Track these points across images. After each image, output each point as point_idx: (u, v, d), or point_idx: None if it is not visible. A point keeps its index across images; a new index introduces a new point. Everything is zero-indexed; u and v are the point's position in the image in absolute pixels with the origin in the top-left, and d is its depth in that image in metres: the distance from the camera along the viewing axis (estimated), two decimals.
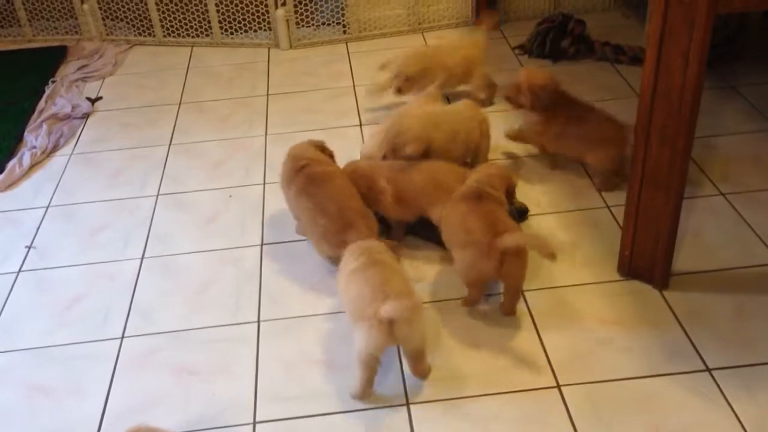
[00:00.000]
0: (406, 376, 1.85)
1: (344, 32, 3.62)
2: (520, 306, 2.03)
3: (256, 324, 2.05)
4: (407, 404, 1.79)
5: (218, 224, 2.45)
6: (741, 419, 1.69)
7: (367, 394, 1.81)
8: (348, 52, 3.50)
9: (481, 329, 1.98)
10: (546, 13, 3.52)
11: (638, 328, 1.94)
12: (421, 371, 1.84)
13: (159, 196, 2.60)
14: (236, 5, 3.57)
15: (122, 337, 2.05)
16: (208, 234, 2.41)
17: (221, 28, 3.62)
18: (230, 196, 2.56)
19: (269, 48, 3.58)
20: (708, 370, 1.81)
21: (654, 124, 1.82)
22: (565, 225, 2.31)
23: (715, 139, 2.63)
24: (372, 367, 1.77)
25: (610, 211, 2.34)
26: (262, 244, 2.34)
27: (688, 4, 1.63)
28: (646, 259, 2.03)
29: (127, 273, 2.27)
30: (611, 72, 3.14)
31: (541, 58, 3.26)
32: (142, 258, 2.32)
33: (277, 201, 2.51)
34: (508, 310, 2.00)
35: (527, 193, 2.43)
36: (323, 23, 3.64)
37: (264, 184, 2.61)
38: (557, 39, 3.23)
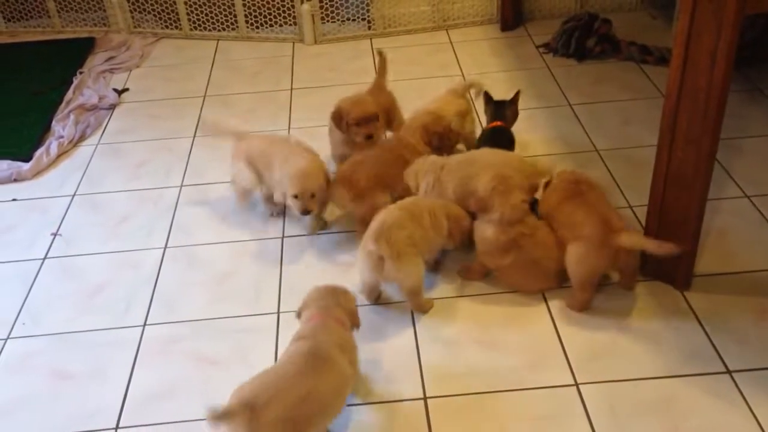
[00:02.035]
0: (423, 371, 1.86)
1: (369, 28, 3.62)
2: (540, 304, 2.03)
3: (276, 315, 2.06)
4: (425, 398, 1.80)
5: (240, 216, 2.47)
6: (761, 422, 1.67)
7: (371, 298, 2.06)
8: (372, 48, 3.51)
9: (500, 327, 1.98)
10: (572, 12, 3.51)
11: (659, 328, 1.93)
12: (416, 308, 2.03)
13: (182, 187, 2.63)
14: (262, 0, 3.59)
15: (144, 324, 2.07)
16: (230, 225, 2.43)
17: (247, 22, 3.65)
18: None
19: (294, 43, 3.60)
20: (729, 372, 1.80)
21: (679, 125, 1.81)
22: None
23: (741, 141, 2.61)
24: (370, 291, 2.03)
25: (633, 211, 2.33)
26: (283, 237, 2.35)
27: (716, 3, 1.61)
28: (668, 260, 2.01)
29: (150, 262, 2.29)
30: (637, 72, 3.12)
31: (566, 57, 3.24)
32: (165, 247, 2.35)
33: None
34: (629, 286, 2.05)
35: None
36: (348, 19, 3.65)
37: None
38: (583, 38, 3.21)
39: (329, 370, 1.60)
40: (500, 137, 2.39)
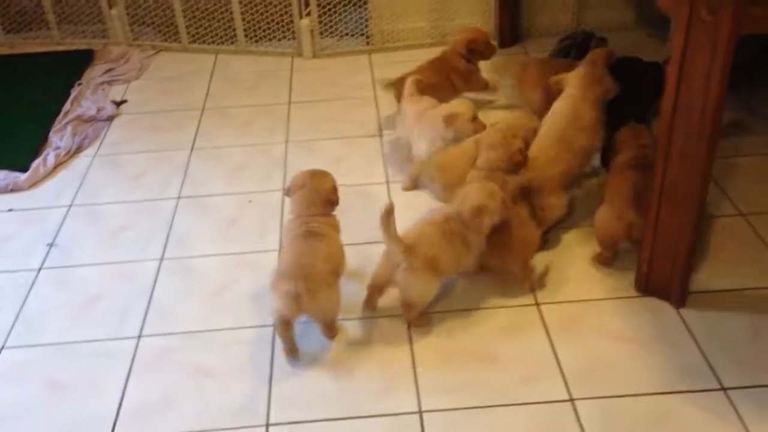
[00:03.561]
0: (419, 384, 1.86)
1: (367, 43, 3.65)
2: (535, 318, 2.03)
3: (272, 328, 2.06)
4: (420, 412, 1.80)
5: (237, 228, 2.47)
6: None
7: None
8: (371, 63, 3.53)
9: (496, 340, 1.98)
10: (568, 30, 3.53)
11: (654, 344, 1.93)
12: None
13: (180, 199, 2.63)
14: (261, 14, 3.61)
15: (139, 336, 2.07)
16: (227, 237, 2.43)
17: (246, 35, 3.67)
18: (250, 201, 2.59)
19: (293, 57, 3.62)
20: (723, 389, 1.80)
21: (674, 143, 1.82)
22: (583, 239, 2.31)
23: (736, 159, 2.62)
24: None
25: None
26: (280, 250, 2.36)
27: (711, 23, 1.64)
28: (663, 276, 2.03)
29: (146, 273, 2.29)
30: None
31: None
32: (162, 259, 2.35)
33: None
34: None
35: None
36: (347, 34, 3.67)
37: (283, 189, 2.64)
38: (579, 56, 3.22)
39: (330, 240, 2.00)
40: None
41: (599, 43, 3.24)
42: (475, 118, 2.54)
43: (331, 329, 2.01)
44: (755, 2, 1.60)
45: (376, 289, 2.08)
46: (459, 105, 2.60)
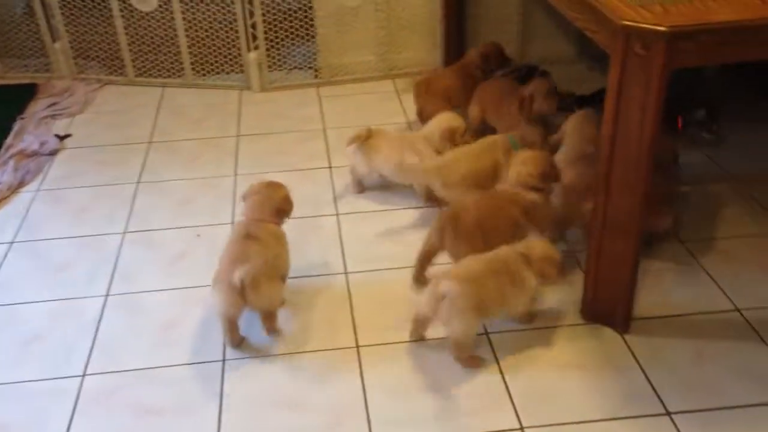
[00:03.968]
0: (371, 417, 1.85)
1: (316, 77, 3.67)
2: (485, 348, 2.05)
3: (221, 363, 2.04)
4: None
5: (185, 263, 2.44)
6: None
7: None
8: (319, 96, 3.55)
9: (447, 372, 1.99)
10: (513, 63, 3.61)
11: (600, 370, 1.97)
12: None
13: (126, 234, 2.59)
14: (209, 47, 3.61)
15: (84, 374, 2.02)
16: (174, 272, 2.40)
17: (193, 69, 3.66)
18: (198, 235, 2.56)
19: (241, 90, 3.62)
20: (668, 414, 1.84)
21: (614, 172, 1.87)
22: None
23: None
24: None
25: (574, 256, 2.38)
26: None
27: (645, 57, 1.70)
28: (607, 303, 2.07)
29: (91, 310, 2.25)
30: None
31: None
32: (107, 295, 2.30)
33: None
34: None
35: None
36: (295, 67, 3.70)
37: (232, 223, 2.62)
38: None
39: (265, 245, 2.05)
40: None
41: (542, 76, 3.33)
42: (465, 131, 2.72)
43: (271, 321, 2.09)
44: (685, 37, 1.66)
45: (418, 323, 2.06)
46: (453, 119, 2.75)
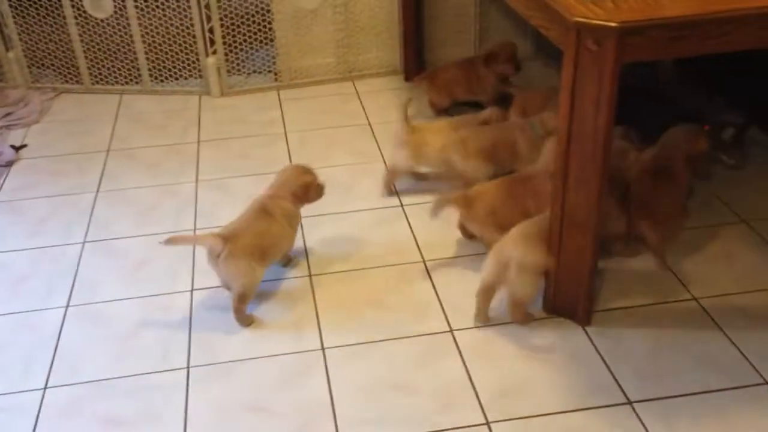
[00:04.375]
0: (338, 420, 1.86)
1: (275, 80, 3.66)
2: (449, 344, 2.07)
3: (186, 370, 2.02)
4: None
5: (147, 271, 2.42)
6: None
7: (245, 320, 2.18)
8: (280, 100, 3.54)
9: (412, 369, 2.00)
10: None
11: (563, 363, 1.99)
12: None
13: (85, 244, 2.56)
14: (166, 53, 3.58)
15: (45, 387, 1.99)
16: (136, 281, 2.38)
17: (151, 75, 3.63)
18: (160, 243, 2.54)
19: (200, 95, 3.60)
20: (629, 402, 1.87)
21: (571, 168, 1.90)
22: None
23: None
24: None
25: None
26: (192, 290, 2.32)
27: (597, 53, 1.73)
28: (569, 296, 2.10)
29: (50, 322, 2.21)
30: None
31: (469, 105, 3.36)
32: (67, 306, 2.27)
33: None
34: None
35: (454, 238, 2.50)
36: (254, 71, 3.68)
37: (195, 229, 2.60)
38: None
39: (274, 221, 2.21)
40: None
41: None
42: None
43: (239, 302, 2.14)
44: (635, 33, 1.69)
45: (485, 295, 2.12)
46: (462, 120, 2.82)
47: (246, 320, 2.17)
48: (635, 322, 2.12)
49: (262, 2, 3.50)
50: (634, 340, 2.05)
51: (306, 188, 2.32)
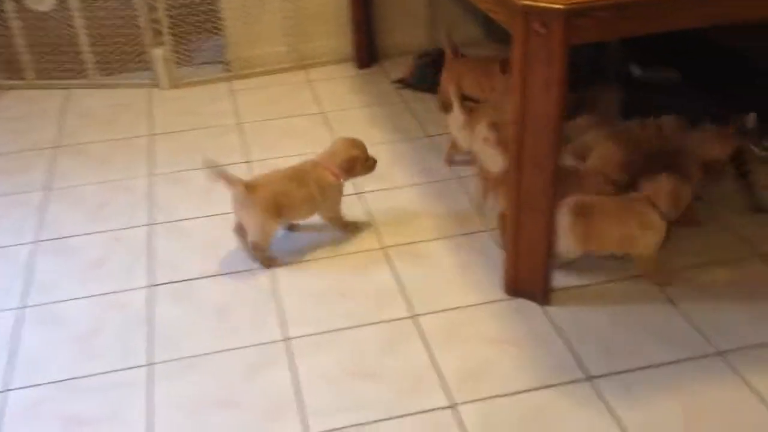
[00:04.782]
0: (306, 410, 1.86)
1: (226, 70, 3.62)
2: (412, 330, 2.08)
3: (149, 367, 2.00)
4: None
5: (104, 268, 2.38)
6: (621, 423, 1.79)
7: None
8: (231, 90, 3.51)
9: (376, 355, 2.01)
10: (423, 48, 3.65)
11: (525, 343, 2.03)
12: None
13: (38, 243, 2.50)
14: (112, 45, 3.50)
15: (6, 390, 1.95)
16: (93, 278, 2.34)
17: (98, 68, 3.55)
18: (116, 239, 2.50)
19: (150, 88, 3.54)
20: (590, 378, 1.92)
21: (525, 149, 1.93)
22: (452, 250, 2.39)
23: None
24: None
25: (494, 235, 2.44)
26: (151, 286, 2.29)
27: (545, 35, 1.75)
28: (528, 277, 2.13)
29: (6, 324, 2.16)
30: None
31: (423, 91, 3.37)
32: (24, 308, 2.23)
33: (166, 241, 2.48)
34: None
35: (414, 222, 2.51)
36: (204, 62, 3.63)
37: (150, 224, 2.57)
38: (436, 72, 3.35)
39: (303, 186, 2.31)
40: None
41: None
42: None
43: (253, 248, 2.31)
44: (581, 14, 1.72)
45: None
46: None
47: (265, 262, 2.33)
48: (592, 300, 2.17)
49: None
50: (592, 318, 2.10)
51: (352, 162, 2.36)
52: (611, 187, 2.30)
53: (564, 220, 2.11)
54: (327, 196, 2.37)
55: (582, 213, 2.13)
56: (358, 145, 2.40)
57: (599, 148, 2.41)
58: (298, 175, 2.32)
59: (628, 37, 1.85)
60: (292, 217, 2.38)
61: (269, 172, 2.37)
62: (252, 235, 2.29)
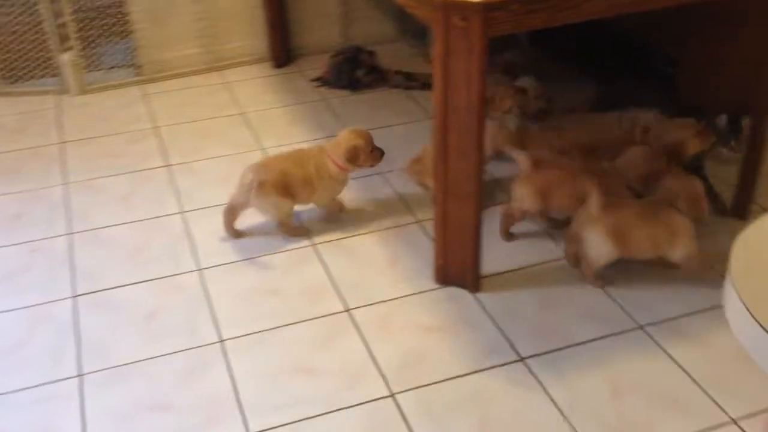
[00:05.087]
0: (244, 409, 1.85)
1: (138, 74, 3.53)
2: (348, 324, 2.10)
3: (79, 378, 1.94)
4: None
5: (24, 280, 2.29)
6: (554, 399, 1.86)
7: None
8: (144, 94, 3.43)
9: (313, 351, 2.02)
10: (338, 46, 3.67)
11: (458, 329, 2.08)
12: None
13: None
14: (15, 52, 3.36)
15: None
16: (14, 291, 2.24)
17: (2, 76, 3.40)
18: (35, 251, 2.41)
19: (59, 95, 3.41)
20: (522, 359, 1.98)
21: (450, 140, 1.97)
22: (383, 242, 2.42)
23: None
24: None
25: (422, 226, 2.48)
26: (75, 296, 2.22)
27: (464, 28, 1.80)
28: (457, 265, 2.18)
29: None
30: (406, 97, 3.33)
31: (341, 88, 3.39)
32: None
33: (86, 250, 2.41)
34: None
35: (342, 217, 2.53)
36: (114, 66, 3.53)
37: (69, 234, 2.49)
38: (352, 70, 3.38)
39: (303, 168, 2.38)
40: None
41: (368, 56, 3.42)
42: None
43: (278, 227, 2.43)
44: (498, 8, 1.77)
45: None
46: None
47: (293, 232, 2.44)
48: (521, 284, 2.24)
49: None
50: (520, 301, 2.17)
51: (354, 152, 2.37)
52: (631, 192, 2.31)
53: (598, 227, 2.11)
54: (325, 184, 2.41)
55: (616, 217, 2.11)
56: (361, 134, 2.41)
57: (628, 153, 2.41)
58: (300, 157, 2.40)
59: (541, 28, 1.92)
60: (298, 196, 2.40)
61: (276, 154, 2.51)
62: (270, 217, 2.41)
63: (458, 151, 1.98)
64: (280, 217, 2.40)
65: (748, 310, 1.02)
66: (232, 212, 2.41)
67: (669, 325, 2.08)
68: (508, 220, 2.39)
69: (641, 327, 2.07)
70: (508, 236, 2.41)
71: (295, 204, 2.41)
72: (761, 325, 1.00)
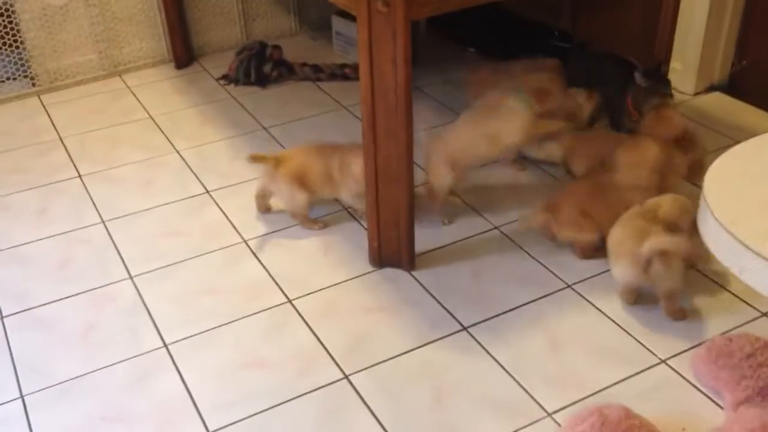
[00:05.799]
0: (199, 408, 1.84)
1: (33, 85, 3.39)
2: (292, 314, 2.12)
3: (20, 400, 1.88)
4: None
5: None
6: (499, 361, 1.95)
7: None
8: (44, 105, 3.30)
9: (262, 344, 2.03)
10: (239, 43, 3.65)
11: (400, 308, 2.13)
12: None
13: None
14: None
15: None
16: None
17: None
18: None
19: None
20: (465, 328, 2.06)
21: (378, 123, 2.02)
22: (314, 232, 2.44)
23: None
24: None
25: (351, 212, 2.52)
26: (2, 318, 2.13)
27: (387, 13, 1.85)
28: (392, 246, 2.24)
29: None
30: (314, 89, 3.36)
31: (249, 85, 3.37)
32: None
33: (9, 269, 2.32)
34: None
35: (265, 215, 2.53)
36: (7, 78, 3.38)
37: None
38: (259, 65, 3.37)
39: (323, 162, 2.40)
40: None
41: (274, 51, 3.42)
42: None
43: (293, 218, 2.47)
44: None
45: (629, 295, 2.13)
46: None
47: (309, 224, 2.46)
48: (453, 258, 2.32)
49: (5, 2, 3.21)
50: (455, 274, 2.25)
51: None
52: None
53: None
54: (347, 182, 2.39)
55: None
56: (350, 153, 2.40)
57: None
58: (326, 151, 2.41)
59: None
60: (315, 189, 2.40)
61: (291, 149, 2.55)
62: (285, 205, 2.46)
63: (387, 133, 2.03)
64: (292, 208, 2.43)
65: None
66: (262, 198, 2.51)
67: (592, 282, 2.21)
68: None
69: (569, 286, 2.19)
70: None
71: (312, 197, 2.42)
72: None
